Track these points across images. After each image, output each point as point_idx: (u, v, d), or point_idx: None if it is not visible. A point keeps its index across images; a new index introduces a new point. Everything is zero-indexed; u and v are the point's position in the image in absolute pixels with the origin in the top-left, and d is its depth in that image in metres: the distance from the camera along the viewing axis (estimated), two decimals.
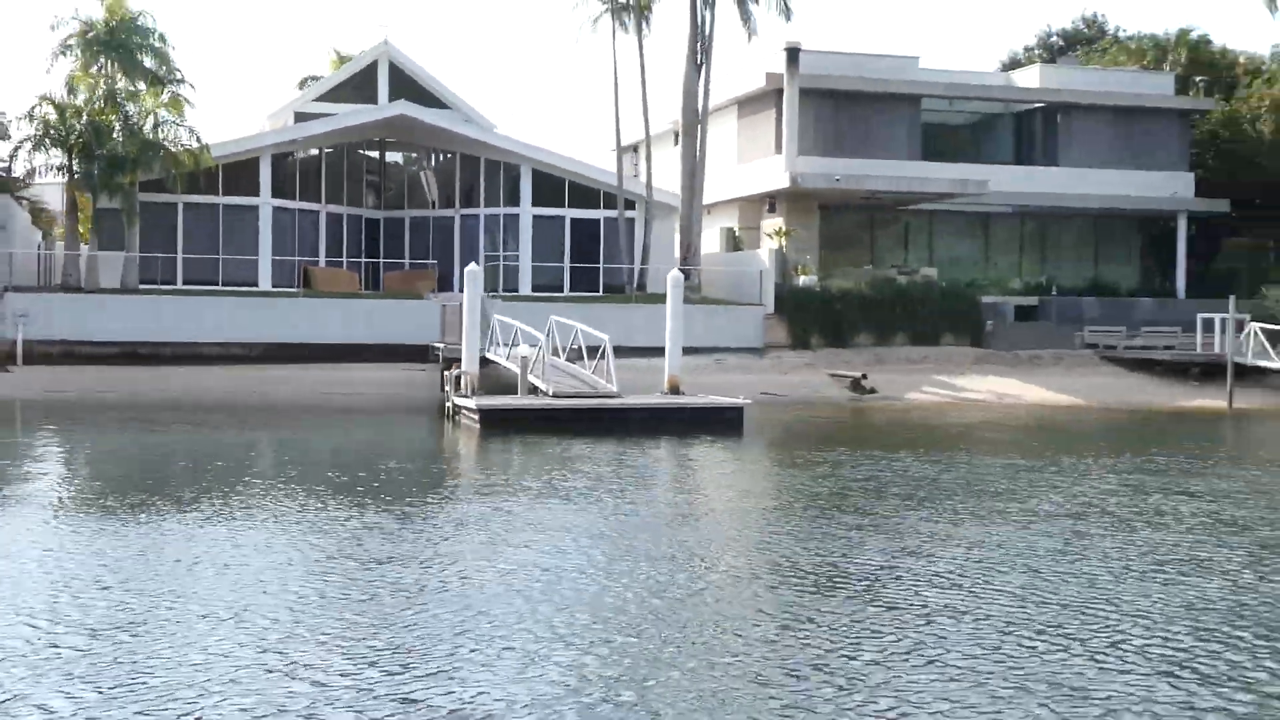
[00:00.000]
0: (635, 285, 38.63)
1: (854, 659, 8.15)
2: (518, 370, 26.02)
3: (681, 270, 39.34)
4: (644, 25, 39.61)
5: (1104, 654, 8.41)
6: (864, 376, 34.26)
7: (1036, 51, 61.12)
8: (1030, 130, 46.19)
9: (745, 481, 19.27)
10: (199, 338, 33.60)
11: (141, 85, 46.02)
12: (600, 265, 40.17)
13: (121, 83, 42.65)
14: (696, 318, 37.45)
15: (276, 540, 12.35)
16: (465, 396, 25.21)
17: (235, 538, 12.30)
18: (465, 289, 26.67)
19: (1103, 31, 60.01)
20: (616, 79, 40.33)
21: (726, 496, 17.36)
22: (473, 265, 28.09)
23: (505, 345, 28.37)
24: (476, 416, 23.93)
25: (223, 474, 17.88)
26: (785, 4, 38.83)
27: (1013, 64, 57.76)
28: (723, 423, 24.52)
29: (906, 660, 8.15)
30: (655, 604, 9.79)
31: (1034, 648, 8.52)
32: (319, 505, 14.53)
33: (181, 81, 48.14)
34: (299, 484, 16.62)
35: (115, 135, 34.14)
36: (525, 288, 38.95)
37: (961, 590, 10.39)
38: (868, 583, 10.65)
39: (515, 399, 25.47)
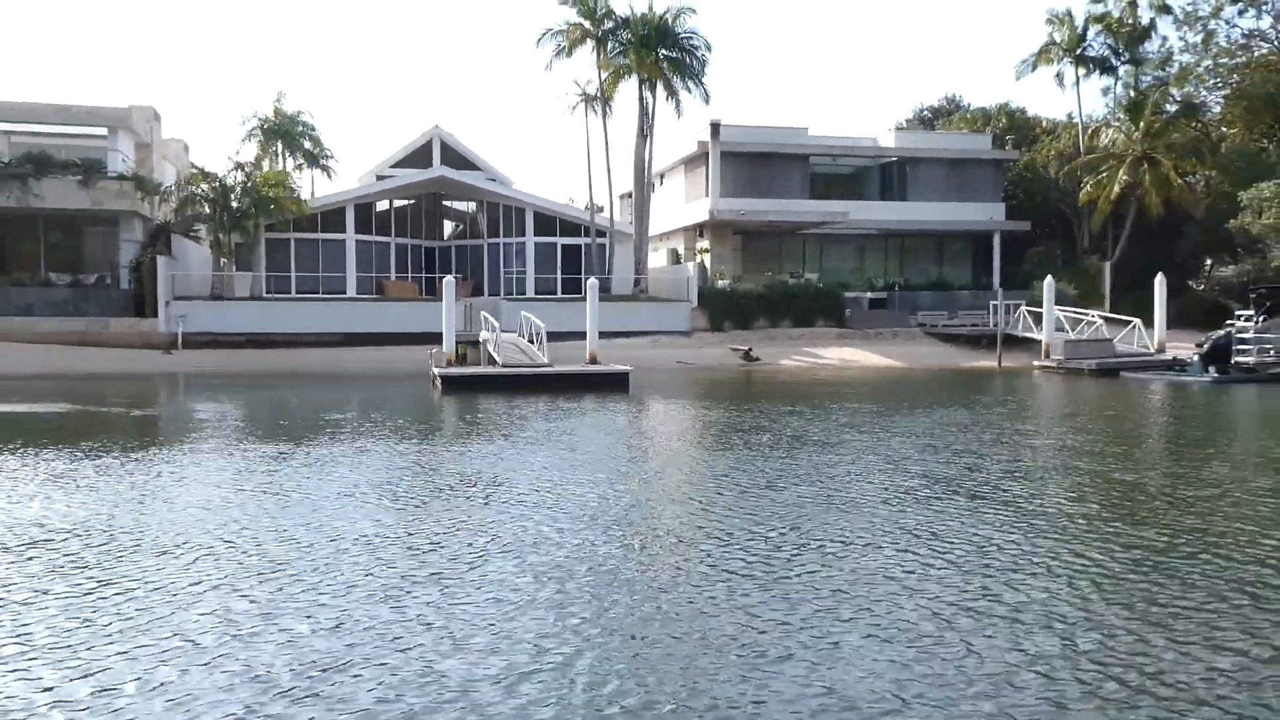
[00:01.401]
0: (603, 290, 40.20)
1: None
2: (493, 348, 27.36)
3: (635, 278, 41.30)
4: (607, 110, 41.06)
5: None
6: (750, 349, 35.72)
7: (912, 120, 61.88)
8: (889, 176, 47.27)
9: (603, 420, 20.48)
10: (300, 329, 35.55)
11: (302, 160, 48.80)
12: (581, 276, 41.74)
13: (290, 162, 45.19)
14: (643, 311, 39.27)
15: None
16: (440, 367, 25.76)
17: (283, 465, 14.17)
18: (444, 293, 26.83)
19: (958, 105, 60.72)
20: (589, 149, 41.95)
21: (572, 422, 18.49)
22: (449, 277, 28.33)
23: (505, 331, 29.43)
24: (439, 381, 24.67)
25: (287, 416, 19.78)
26: (705, 93, 40.32)
27: (898, 128, 58.63)
28: (615, 383, 24.93)
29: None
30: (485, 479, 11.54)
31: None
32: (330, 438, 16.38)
33: (330, 158, 50.75)
34: (325, 423, 18.44)
35: (236, 196, 36.05)
36: (529, 292, 40.72)
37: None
38: (657, 473, 12.35)
39: (472, 368, 25.93)
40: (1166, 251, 43.97)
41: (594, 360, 27.44)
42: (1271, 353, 26.70)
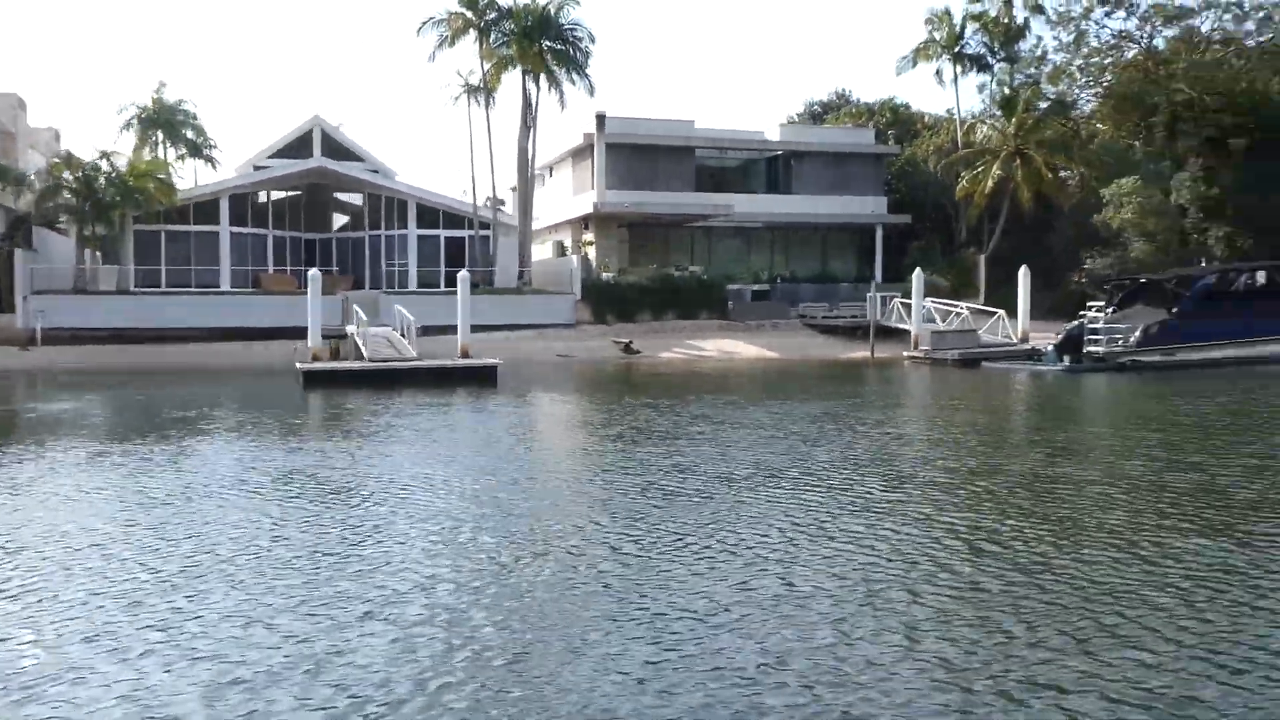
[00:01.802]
0: (487, 282, 40.01)
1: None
2: (360, 342, 27.01)
3: (519, 270, 41.18)
4: (490, 101, 40.79)
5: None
6: (631, 342, 35.90)
7: (803, 114, 62.65)
8: (775, 170, 47.94)
9: (455, 416, 20.34)
10: (168, 324, 34.52)
11: (184, 151, 47.35)
12: (465, 269, 41.43)
13: (172, 152, 43.83)
14: (527, 304, 39.17)
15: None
16: (304, 362, 25.25)
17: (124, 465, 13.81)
18: (309, 287, 26.23)
19: (847, 100, 61.71)
20: (472, 141, 41.78)
21: (423, 417, 18.46)
22: (314, 270, 27.80)
23: (379, 326, 29.01)
24: (301, 376, 24.22)
25: (127, 414, 19.29)
26: (590, 86, 40.35)
27: (786, 123, 59.37)
28: (483, 377, 24.71)
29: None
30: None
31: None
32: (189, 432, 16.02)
33: (214, 148, 49.24)
34: (185, 421, 18.03)
35: (100, 186, 34.84)
36: (412, 285, 40.23)
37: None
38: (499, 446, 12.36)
39: (335, 363, 25.48)
40: (1040, 245, 45.50)
41: (466, 354, 27.25)
42: (1120, 342, 27.89)
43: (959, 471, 12.14)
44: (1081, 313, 29.19)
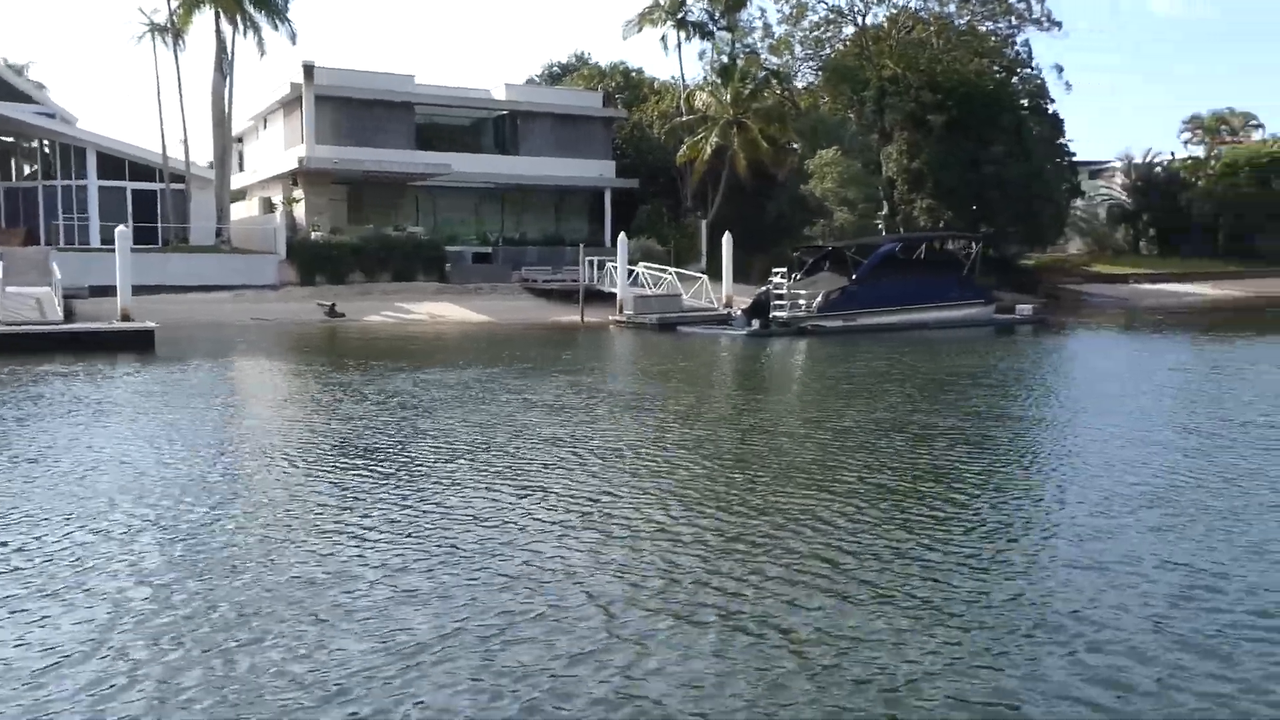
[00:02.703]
0: (181, 239, 37.48)
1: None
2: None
3: (217, 228, 38.77)
4: (180, 44, 37.97)
5: None
6: (335, 305, 34.57)
7: (542, 76, 62.16)
8: (502, 130, 47.32)
9: (75, 387, 19.04)
10: None
11: None
12: (158, 225, 38.72)
13: None
14: (225, 264, 37.04)
15: None
16: None
17: None
18: None
19: (586, 63, 61.64)
20: (159, 86, 38.79)
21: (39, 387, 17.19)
22: None
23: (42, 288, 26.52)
24: None
25: None
26: (292, 31, 38.31)
27: (528, 83, 58.72)
28: (138, 342, 23.29)
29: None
30: None
31: None
32: None
33: None
34: None
35: None
36: (94, 242, 37.11)
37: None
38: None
39: None
40: (761, 212, 47.21)
41: (127, 317, 25.34)
42: (803, 308, 29.25)
43: (588, 441, 12.10)
44: (769, 279, 30.36)
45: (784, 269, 29.79)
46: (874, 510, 8.60)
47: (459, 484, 9.52)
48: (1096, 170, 73.34)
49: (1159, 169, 68.49)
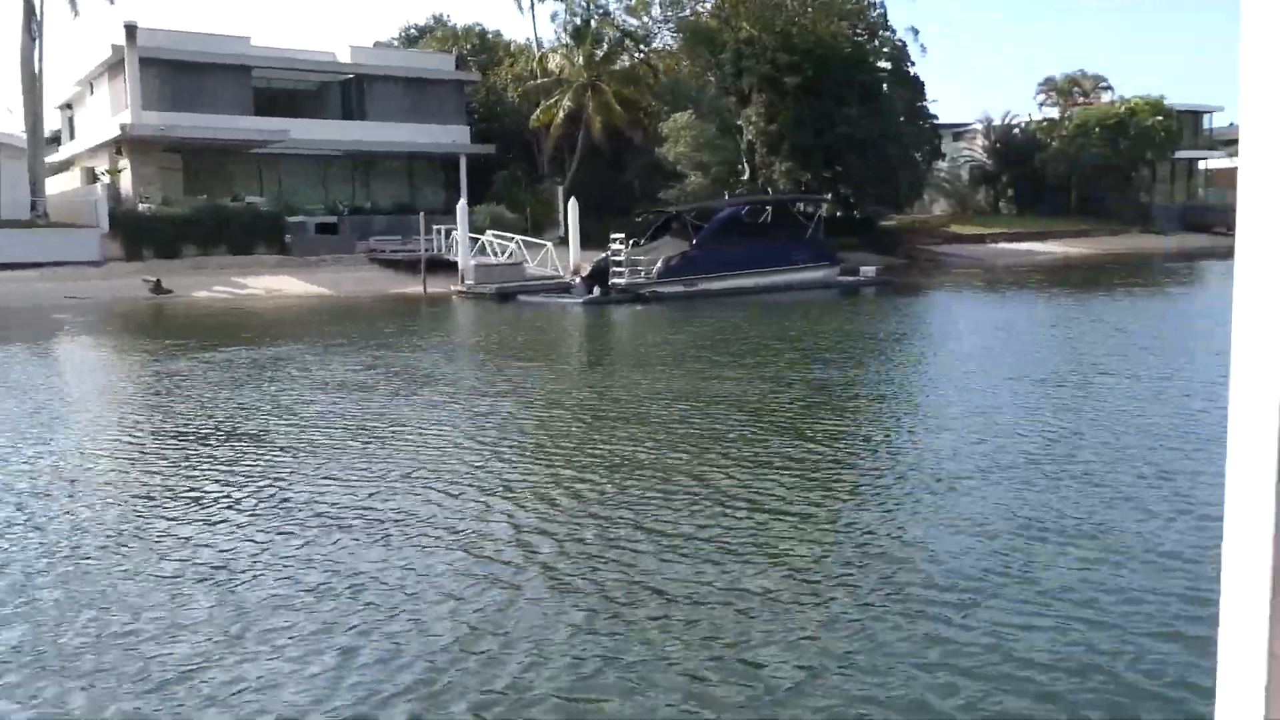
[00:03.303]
0: None
1: None
2: None
3: (32, 201, 36.51)
4: None
5: None
6: (160, 280, 32.91)
7: (399, 38, 60.21)
8: (350, 94, 45.67)
9: None
10: None
11: None
12: None
13: None
14: (40, 239, 34.94)
15: None
16: None
17: None
18: None
19: (444, 25, 59.88)
20: None
21: None
22: None
23: None
24: None
25: None
26: None
27: (377, 46, 56.75)
28: None
29: None
30: None
31: None
32: None
33: None
34: None
35: None
36: None
37: None
38: None
39: None
40: (619, 177, 46.72)
41: None
42: (643, 274, 28.90)
43: (365, 422, 11.45)
44: (610, 245, 29.89)
45: (622, 235, 29.33)
46: (628, 486, 8.23)
47: (181, 466, 8.84)
48: (959, 132, 74.95)
49: (1017, 131, 70.30)
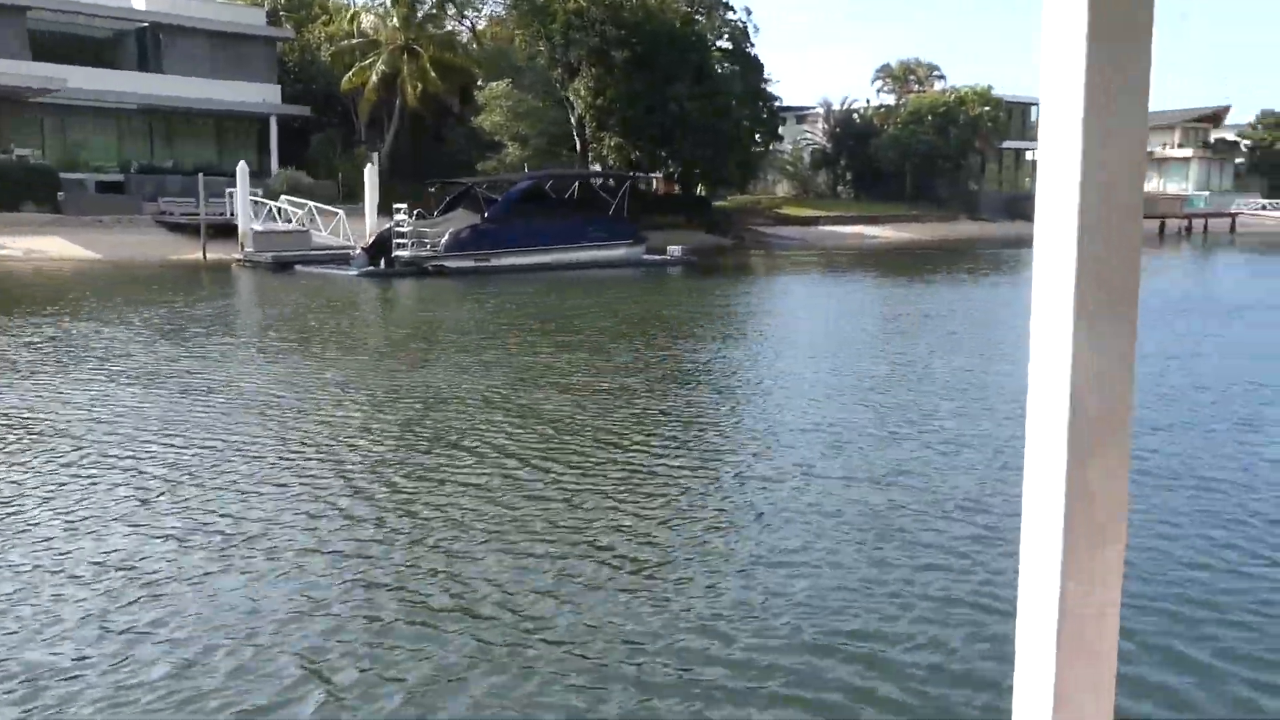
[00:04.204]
0: None
1: None
2: None
3: None
4: None
5: None
6: None
7: None
8: (144, 45, 42.57)
9: None
10: None
11: None
12: None
13: None
14: None
15: None
16: None
17: None
18: None
19: None
20: None
21: None
22: None
23: None
24: None
25: None
26: None
27: None
28: None
29: None
30: None
31: None
32: None
33: None
34: None
35: None
36: None
37: None
38: None
39: None
40: (440, 145, 45.00)
41: None
42: (429, 247, 27.49)
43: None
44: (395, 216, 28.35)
45: (405, 205, 27.82)
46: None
47: None
48: (801, 115, 75.52)
49: (856, 115, 71.18)
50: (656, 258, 32.22)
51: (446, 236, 27.53)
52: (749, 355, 14.03)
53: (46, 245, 32.26)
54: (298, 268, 28.14)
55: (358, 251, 27.72)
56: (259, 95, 43.73)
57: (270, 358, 13.68)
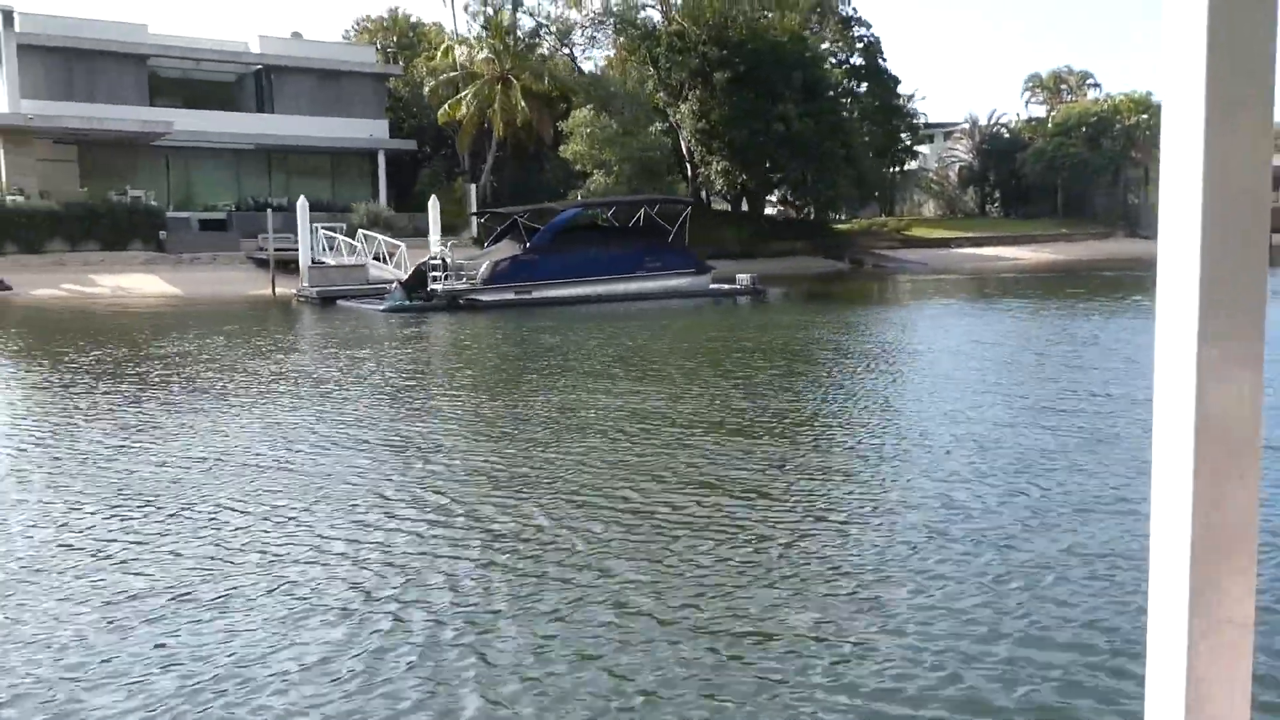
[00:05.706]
0: None
1: None
2: None
3: None
4: None
5: None
6: (3, 279, 31.32)
7: (357, 29, 58.09)
8: (259, 87, 43.91)
9: None
10: None
11: None
12: None
13: None
14: None
15: None
16: None
17: None
18: None
19: (399, 20, 56.92)
20: None
21: None
22: None
23: None
24: None
25: None
26: None
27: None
28: None
29: None
30: None
31: None
32: None
33: None
34: None
35: None
36: None
37: None
38: None
39: None
40: (538, 175, 44.46)
41: None
42: (464, 280, 26.51)
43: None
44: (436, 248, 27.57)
45: (439, 235, 26.97)
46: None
47: None
48: (949, 131, 71.48)
49: (1004, 130, 66.76)
50: (724, 287, 30.23)
51: (484, 268, 26.53)
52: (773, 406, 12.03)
53: (138, 283, 33.29)
54: (339, 302, 27.79)
55: (393, 286, 27.04)
56: (367, 131, 44.40)
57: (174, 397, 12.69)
